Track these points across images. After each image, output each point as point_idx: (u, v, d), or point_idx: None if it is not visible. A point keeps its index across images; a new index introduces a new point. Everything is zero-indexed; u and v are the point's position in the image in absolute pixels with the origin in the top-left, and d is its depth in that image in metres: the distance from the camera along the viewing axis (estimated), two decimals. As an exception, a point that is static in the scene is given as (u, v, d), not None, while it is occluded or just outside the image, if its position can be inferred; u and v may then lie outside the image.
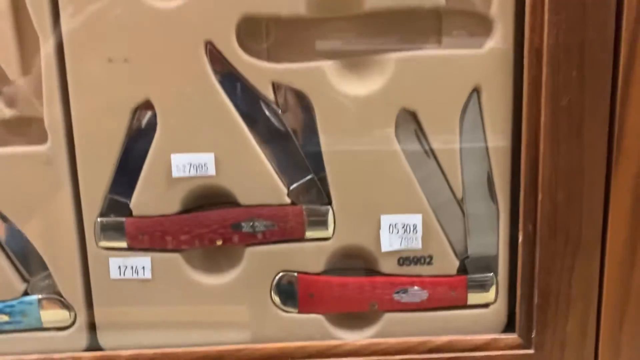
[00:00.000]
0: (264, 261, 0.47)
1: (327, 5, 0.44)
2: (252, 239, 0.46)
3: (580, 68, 0.42)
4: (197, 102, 0.44)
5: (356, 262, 0.48)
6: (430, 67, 0.44)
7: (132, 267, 0.46)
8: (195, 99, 0.44)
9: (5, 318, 0.47)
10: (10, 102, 0.46)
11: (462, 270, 0.48)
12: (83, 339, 0.48)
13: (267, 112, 0.45)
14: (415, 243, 0.47)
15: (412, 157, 0.46)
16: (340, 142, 0.45)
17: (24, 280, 0.48)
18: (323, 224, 0.46)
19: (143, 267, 0.46)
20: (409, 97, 0.45)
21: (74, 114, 0.44)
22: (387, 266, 0.47)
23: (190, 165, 0.45)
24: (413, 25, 0.46)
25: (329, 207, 0.46)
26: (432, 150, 0.46)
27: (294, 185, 0.46)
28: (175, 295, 0.47)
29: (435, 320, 0.48)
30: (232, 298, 0.47)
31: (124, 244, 0.46)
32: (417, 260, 0.47)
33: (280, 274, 0.47)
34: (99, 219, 0.46)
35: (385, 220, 0.46)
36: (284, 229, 0.46)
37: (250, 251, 0.47)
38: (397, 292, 0.47)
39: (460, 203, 0.47)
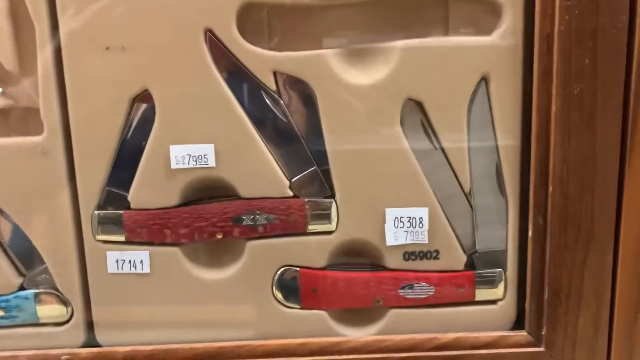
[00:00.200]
0: (265, 255, 0.46)
1: (330, -9, 0.43)
2: (253, 233, 0.45)
3: (593, 55, 0.40)
4: (196, 92, 0.43)
5: (360, 256, 0.47)
6: (437, 56, 0.43)
7: (130, 261, 0.45)
8: (194, 88, 0.43)
9: (0, 313, 0.46)
10: (6, 93, 0.45)
11: (470, 265, 0.46)
12: (80, 335, 0.47)
13: (268, 102, 0.44)
14: (421, 237, 0.45)
15: (419, 148, 0.45)
16: (344, 133, 0.44)
17: (20, 274, 0.47)
18: (326, 217, 0.45)
19: (141, 261, 0.45)
20: (414, 86, 0.44)
21: (70, 105, 0.43)
22: (392, 261, 0.46)
23: (190, 156, 0.44)
24: (419, 12, 0.44)
25: (332, 200, 0.45)
26: (438, 142, 0.45)
27: (296, 177, 0.45)
28: (174, 290, 0.46)
29: (442, 317, 0.46)
30: (233, 293, 0.46)
31: (122, 238, 0.45)
32: (423, 255, 0.46)
33: (282, 269, 0.46)
34: (96, 212, 0.45)
35: (391, 213, 0.45)
36: (286, 222, 0.45)
37: (252, 245, 0.46)
38: (403, 288, 0.46)
39: (467, 196, 0.45)
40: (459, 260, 0.46)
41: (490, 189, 0.45)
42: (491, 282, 0.46)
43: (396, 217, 0.45)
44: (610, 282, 0.44)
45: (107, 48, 0.42)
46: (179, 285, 0.46)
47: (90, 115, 0.43)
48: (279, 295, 0.46)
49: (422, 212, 0.45)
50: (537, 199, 0.43)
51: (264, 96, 0.44)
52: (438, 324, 0.46)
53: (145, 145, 0.44)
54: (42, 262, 0.46)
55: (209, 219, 0.45)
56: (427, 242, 0.45)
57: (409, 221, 0.45)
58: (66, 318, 0.47)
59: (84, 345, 0.47)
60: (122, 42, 0.42)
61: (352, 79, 0.44)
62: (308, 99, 0.44)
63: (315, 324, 0.46)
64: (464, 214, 0.46)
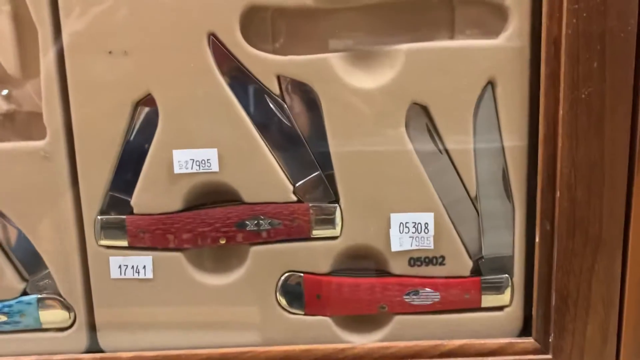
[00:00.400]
0: (269, 261, 0.45)
1: (335, -6, 0.42)
2: (256, 238, 0.45)
3: (601, 59, 0.40)
4: (199, 96, 0.43)
5: (365, 262, 0.46)
6: (443, 59, 0.43)
7: (133, 267, 0.45)
8: (197, 92, 0.43)
9: (3, 318, 0.46)
10: (9, 97, 0.45)
11: (476, 271, 0.46)
12: (83, 340, 0.47)
13: (272, 106, 0.44)
14: (426, 243, 0.45)
15: (424, 153, 0.44)
16: (348, 138, 0.44)
17: (23, 279, 0.46)
18: (330, 222, 0.45)
19: (144, 267, 0.45)
20: (420, 90, 0.43)
21: (73, 109, 0.43)
22: (398, 267, 0.45)
23: (193, 161, 0.43)
24: (424, 15, 0.44)
25: (336, 204, 0.45)
26: (444, 146, 0.44)
27: (300, 182, 0.44)
28: (177, 296, 0.46)
29: (448, 324, 0.46)
30: (236, 299, 0.46)
31: (124, 243, 0.45)
32: (428, 260, 0.45)
33: (286, 274, 0.45)
34: (99, 217, 0.45)
35: (396, 218, 0.44)
36: (289, 227, 0.45)
37: (255, 250, 0.45)
38: (408, 294, 0.46)
39: (474, 201, 0.45)
40: (465, 266, 0.46)
41: (496, 193, 0.45)
42: (498, 288, 0.46)
43: (401, 223, 0.44)
44: (619, 289, 0.43)
45: (110, 52, 0.42)
46: (182, 290, 0.46)
47: (93, 119, 0.43)
48: (283, 301, 0.46)
49: (428, 217, 0.45)
50: (545, 204, 0.43)
51: (268, 100, 0.44)
52: (444, 331, 0.46)
53: (148, 149, 0.43)
54: (45, 267, 0.46)
55: (212, 224, 0.45)
56: (432, 247, 0.45)
57: (414, 226, 0.45)
58: (69, 323, 0.46)
59: (87, 351, 0.47)
60: (124, 46, 0.42)
61: (357, 82, 0.43)
62: (312, 103, 0.44)
63: (320, 330, 0.46)
64: (470, 219, 0.45)
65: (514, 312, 0.46)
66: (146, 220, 0.44)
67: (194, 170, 0.43)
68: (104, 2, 0.42)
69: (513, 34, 0.42)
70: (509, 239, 0.45)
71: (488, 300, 0.46)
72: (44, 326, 0.46)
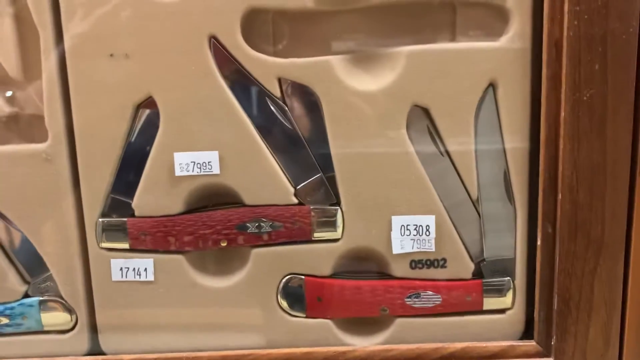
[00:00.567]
0: (270, 263, 0.45)
1: (336, -3, 0.42)
2: (257, 240, 0.45)
3: (603, 61, 0.40)
4: (200, 99, 0.43)
5: (366, 264, 0.46)
6: (444, 62, 0.43)
7: (134, 269, 0.45)
8: (199, 95, 0.43)
9: (5, 320, 0.46)
10: (11, 100, 0.45)
11: (478, 273, 0.46)
12: (84, 343, 0.47)
13: (273, 109, 0.44)
14: (428, 245, 0.45)
15: (425, 155, 0.44)
16: (349, 140, 0.44)
17: (25, 281, 0.47)
18: (331, 224, 0.45)
19: (145, 269, 0.45)
20: (421, 92, 0.43)
21: (74, 112, 0.43)
22: (399, 269, 0.45)
23: (194, 163, 0.43)
24: (425, 17, 0.44)
25: (337, 207, 0.45)
26: (445, 149, 0.44)
27: (301, 184, 0.44)
28: (179, 298, 0.46)
29: (449, 326, 0.46)
30: (237, 301, 0.46)
31: (126, 245, 0.45)
32: (430, 263, 0.45)
33: (287, 277, 0.45)
34: (100, 219, 0.45)
35: (397, 221, 0.44)
36: (291, 229, 0.45)
37: (256, 253, 0.45)
38: (409, 297, 0.45)
39: (475, 203, 0.45)
40: (467, 268, 0.45)
41: (498, 196, 0.45)
42: (499, 291, 0.46)
43: (402, 225, 0.44)
44: (621, 291, 0.43)
45: (111, 55, 0.42)
46: (183, 293, 0.46)
47: (95, 122, 0.43)
48: (284, 304, 0.46)
49: (429, 220, 0.44)
50: (546, 206, 0.43)
51: (269, 103, 0.44)
52: (445, 334, 0.46)
53: (149, 152, 0.44)
54: (47, 270, 0.46)
55: (213, 226, 0.45)
56: (434, 250, 0.45)
57: (415, 229, 0.44)
58: (70, 326, 0.46)
59: (88, 353, 0.47)
60: (126, 48, 0.42)
61: (358, 85, 0.43)
62: (313, 106, 0.44)
63: (321, 333, 0.46)
64: (471, 222, 0.45)
65: (515, 315, 0.46)
66: (147, 223, 0.44)
67: (195, 173, 0.43)
68: (106, 5, 0.42)
69: (514, 36, 0.42)
70: (510, 241, 0.45)
71: (490, 302, 0.46)
72: (46, 328, 0.46)
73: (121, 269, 0.45)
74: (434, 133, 0.44)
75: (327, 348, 0.46)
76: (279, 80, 0.43)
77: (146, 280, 0.45)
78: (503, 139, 0.44)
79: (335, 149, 0.44)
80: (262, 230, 0.45)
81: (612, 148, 0.41)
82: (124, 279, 0.45)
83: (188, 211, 0.45)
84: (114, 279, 0.45)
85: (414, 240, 0.45)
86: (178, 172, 0.43)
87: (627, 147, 0.41)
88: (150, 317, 0.46)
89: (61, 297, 0.46)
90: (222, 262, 0.46)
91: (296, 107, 0.44)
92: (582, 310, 0.43)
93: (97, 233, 0.45)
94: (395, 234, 0.44)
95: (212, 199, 0.45)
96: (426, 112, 0.44)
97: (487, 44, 0.43)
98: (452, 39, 0.44)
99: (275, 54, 0.44)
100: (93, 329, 0.47)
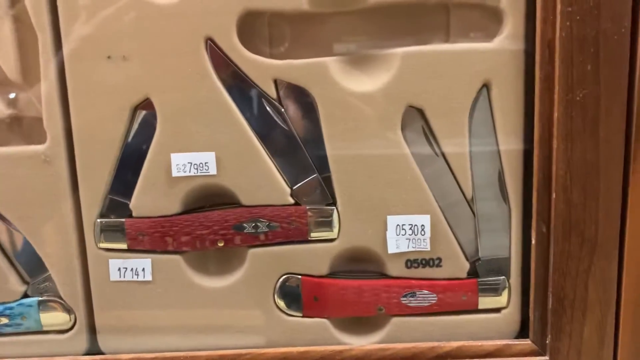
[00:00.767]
0: (267, 263, 0.46)
1: (330, -1, 0.43)
2: (254, 240, 0.45)
3: (595, 61, 0.40)
4: (197, 100, 0.43)
5: (362, 264, 0.46)
6: (438, 63, 0.43)
7: (132, 269, 0.45)
8: (195, 97, 0.43)
9: (4, 320, 0.46)
10: (10, 102, 0.45)
11: (473, 273, 0.46)
12: (83, 342, 0.47)
13: (269, 110, 0.44)
14: (423, 245, 0.45)
15: (420, 155, 0.44)
16: (345, 141, 0.44)
17: (24, 282, 0.47)
18: (328, 224, 0.45)
19: (143, 269, 0.45)
20: (415, 93, 0.43)
21: (72, 114, 0.44)
22: (395, 269, 0.46)
23: (191, 164, 0.44)
24: (420, 19, 0.44)
25: (333, 207, 0.45)
26: (440, 149, 0.44)
27: (298, 184, 0.45)
28: (176, 298, 0.46)
29: (445, 325, 0.46)
30: (235, 301, 0.46)
31: (124, 245, 0.45)
32: (425, 262, 0.46)
33: (284, 277, 0.46)
34: (98, 220, 0.45)
35: (392, 221, 0.45)
36: (287, 229, 0.45)
37: (253, 253, 0.45)
38: (405, 296, 0.46)
39: (470, 203, 0.45)
40: (462, 268, 0.46)
41: (492, 195, 0.45)
42: (495, 290, 0.46)
43: (398, 225, 0.45)
44: (616, 290, 0.43)
45: (109, 57, 0.43)
46: (181, 292, 0.46)
47: (93, 123, 0.44)
48: (281, 303, 0.46)
49: (424, 220, 0.45)
50: (540, 206, 0.43)
51: (265, 104, 0.44)
52: (441, 333, 0.46)
53: (146, 153, 0.44)
54: (46, 270, 0.46)
55: (210, 226, 0.45)
56: (429, 249, 0.45)
57: (410, 228, 0.45)
58: (69, 325, 0.47)
59: (87, 353, 0.47)
60: (123, 51, 0.42)
61: (353, 86, 0.43)
62: (309, 107, 0.44)
63: (318, 332, 0.46)
64: (466, 221, 0.45)
65: (511, 314, 0.46)
66: (145, 223, 0.45)
67: (192, 174, 0.44)
68: (103, 8, 0.42)
69: (508, 37, 0.43)
70: (505, 240, 0.45)
71: (485, 302, 0.46)
72: (45, 328, 0.47)
73: (119, 269, 0.45)
74: (429, 134, 0.44)
75: (324, 347, 0.46)
76: (275, 82, 0.44)
77: (144, 280, 0.46)
78: (497, 139, 0.44)
79: (331, 150, 0.44)
80: (258, 231, 0.45)
81: (605, 148, 0.41)
82: (122, 279, 0.46)
83: (185, 212, 0.45)
84: (112, 279, 0.46)
85: (410, 239, 0.45)
86: (175, 173, 0.44)
87: (620, 146, 0.41)
88: (148, 317, 0.46)
89: (60, 297, 0.46)
90: (219, 262, 0.47)
91: (292, 108, 0.44)
92: (577, 309, 0.43)
93: (95, 233, 0.45)
94: (390, 234, 0.45)
95: (209, 200, 0.45)
96: (421, 112, 0.44)
97: (480, 45, 0.43)
98: (446, 40, 0.45)
99: (271, 55, 0.44)
100: (92, 328, 0.47)
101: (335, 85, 0.43)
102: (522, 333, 0.46)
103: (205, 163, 0.44)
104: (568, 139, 0.41)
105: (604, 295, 0.43)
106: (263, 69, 0.43)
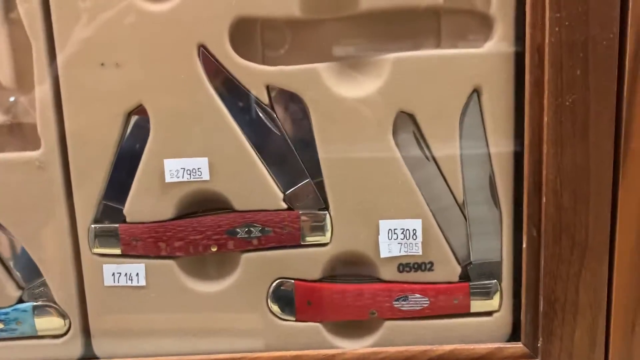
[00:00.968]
0: (260, 268, 0.46)
1: (322, 6, 0.43)
2: (247, 245, 0.45)
3: (584, 66, 0.40)
4: (190, 106, 0.44)
5: (355, 268, 0.47)
6: (429, 68, 0.43)
7: (126, 274, 0.46)
8: (188, 103, 0.44)
9: (-1, 326, 0.47)
10: (4, 108, 0.46)
11: (465, 276, 0.46)
12: (78, 347, 0.47)
13: (261, 116, 0.44)
14: (415, 249, 0.45)
15: (411, 160, 0.45)
16: (337, 146, 0.44)
17: (19, 287, 0.47)
18: (320, 229, 0.45)
19: (137, 274, 0.45)
20: (407, 99, 0.44)
21: (66, 120, 0.44)
22: (387, 273, 0.46)
23: (184, 170, 0.44)
24: (411, 25, 0.45)
25: (326, 212, 0.45)
26: (431, 154, 0.45)
27: (290, 189, 0.45)
28: (170, 303, 0.46)
29: (437, 329, 0.46)
30: (228, 306, 0.46)
31: (118, 251, 0.45)
32: (417, 266, 0.46)
33: (277, 281, 0.46)
34: (92, 226, 0.45)
35: (384, 225, 0.45)
36: (280, 234, 0.45)
37: (246, 257, 0.46)
38: (398, 300, 0.46)
39: (461, 207, 0.45)
40: (454, 271, 0.46)
41: (483, 200, 0.45)
42: (486, 294, 0.46)
43: (390, 229, 0.45)
44: (606, 293, 0.44)
45: (102, 64, 0.43)
46: (175, 297, 0.46)
47: (87, 130, 0.44)
48: (274, 308, 0.46)
49: (416, 224, 0.45)
50: (531, 209, 0.43)
51: (258, 110, 0.44)
52: (433, 336, 0.46)
53: (140, 159, 0.44)
54: (40, 275, 0.46)
55: (203, 231, 0.45)
56: (421, 253, 0.45)
57: (402, 233, 0.45)
58: (64, 330, 0.47)
59: (82, 357, 0.47)
60: (116, 58, 0.43)
61: (345, 91, 0.44)
62: (301, 112, 0.44)
63: (311, 336, 0.47)
64: (458, 226, 0.46)
65: (502, 317, 0.47)
66: (139, 229, 0.45)
67: (185, 179, 0.44)
68: (97, 16, 0.42)
69: (498, 43, 0.43)
70: (496, 244, 0.46)
71: (477, 305, 0.46)
72: (40, 333, 0.47)
73: (113, 274, 0.46)
74: (420, 138, 0.45)
75: (317, 351, 0.46)
76: (267, 88, 0.44)
77: (138, 285, 0.46)
78: (488, 143, 0.44)
79: (323, 155, 0.45)
80: (251, 235, 0.45)
81: (595, 152, 0.42)
82: (116, 284, 0.46)
83: (179, 217, 0.45)
84: (106, 284, 0.46)
85: (402, 244, 0.45)
86: (168, 179, 0.44)
87: (609, 151, 0.42)
88: (142, 322, 0.47)
89: (55, 302, 0.47)
90: (212, 267, 0.47)
91: (284, 114, 0.45)
92: (568, 312, 0.44)
93: (89, 239, 0.46)
94: (382, 238, 0.45)
95: (202, 205, 0.46)
96: (412, 118, 0.44)
97: (471, 50, 0.43)
98: (437, 45, 0.45)
99: (264, 62, 0.45)
100: (86, 333, 0.47)
101: (327, 90, 0.44)
102: (514, 336, 0.46)
103: (198, 169, 0.44)
104: (558, 143, 0.41)
105: (595, 298, 0.44)
106: (255, 75, 0.43)
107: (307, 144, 0.45)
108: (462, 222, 0.46)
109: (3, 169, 0.45)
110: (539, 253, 0.43)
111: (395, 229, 0.45)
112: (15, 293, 0.47)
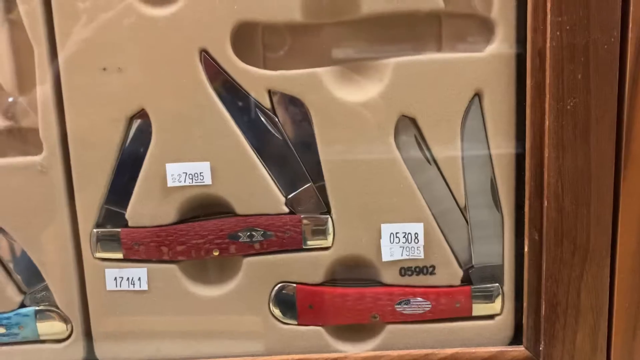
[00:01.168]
0: (262, 272, 0.46)
1: (323, 10, 0.43)
2: (249, 249, 0.45)
3: (586, 70, 0.40)
4: (192, 111, 0.44)
5: (357, 272, 0.47)
6: (430, 72, 0.43)
7: (128, 278, 0.46)
8: (190, 107, 0.44)
9: (1, 330, 0.47)
10: (6, 113, 0.46)
11: (466, 280, 0.46)
12: (80, 351, 0.47)
13: (263, 120, 0.44)
14: (417, 252, 0.45)
15: (413, 164, 0.45)
16: (339, 150, 0.44)
17: (21, 291, 0.47)
18: (322, 233, 0.45)
19: (139, 278, 0.46)
20: (408, 103, 0.44)
21: (68, 124, 0.44)
22: (389, 276, 0.46)
23: (186, 174, 0.44)
24: (412, 29, 0.45)
25: (327, 216, 0.45)
26: (433, 157, 0.45)
27: (292, 193, 0.45)
28: (172, 307, 0.46)
29: (439, 332, 0.46)
30: (230, 309, 0.46)
31: (120, 255, 0.46)
32: (419, 270, 0.46)
33: (279, 285, 0.46)
34: (94, 230, 0.45)
35: (386, 229, 0.45)
36: (282, 238, 0.45)
37: (248, 262, 0.46)
38: (399, 303, 0.46)
39: (463, 211, 0.45)
40: (456, 275, 0.46)
41: (485, 203, 0.45)
42: (488, 297, 0.46)
43: (392, 233, 0.45)
44: (608, 297, 0.44)
45: (104, 69, 0.43)
46: (177, 301, 0.46)
47: (88, 134, 0.44)
48: (276, 312, 0.46)
49: (418, 228, 0.45)
50: (532, 213, 0.43)
51: (259, 114, 0.44)
52: (435, 340, 0.46)
53: (142, 163, 0.44)
54: (43, 280, 0.47)
55: (205, 236, 0.45)
56: (423, 257, 0.45)
57: (404, 237, 0.45)
58: (66, 335, 0.47)
59: (84, 362, 0.48)
60: (118, 62, 0.43)
61: (346, 96, 0.44)
62: (303, 117, 0.44)
63: (313, 340, 0.47)
64: (459, 229, 0.46)
65: (504, 321, 0.47)
66: (140, 233, 0.45)
67: (187, 184, 0.44)
68: (98, 20, 0.42)
69: (499, 47, 0.43)
70: (498, 248, 0.46)
71: (479, 308, 0.46)
72: (42, 338, 0.47)
73: (115, 278, 0.46)
74: (422, 142, 0.45)
75: (319, 355, 0.46)
76: (269, 92, 0.44)
77: (140, 289, 0.46)
78: (489, 147, 0.44)
79: (325, 159, 0.45)
80: (253, 240, 0.45)
81: (596, 156, 0.42)
82: (118, 288, 0.46)
83: (180, 221, 0.46)
84: (108, 288, 0.46)
85: (403, 247, 0.45)
86: (170, 183, 0.44)
87: (610, 154, 0.42)
88: (145, 326, 0.47)
89: (57, 307, 0.47)
90: (214, 271, 0.47)
91: (286, 118, 0.45)
92: (570, 316, 0.44)
93: (91, 243, 0.46)
94: (384, 242, 0.45)
95: (204, 209, 0.46)
96: (413, 121, 0.44)
97: (472, 54, 0.43)
98: (438, 49, 0.45)
99: (265, 66, 0.45)
100: (88, 337, 0.47)
101: (328, 95, 0.44)
102: (516, 339, 0.47)
103: (200, 173, 0.44)
104: (559, 146, 0.42)
105: (597, 301, 0.44)
106: (257, 79, 0.44)
107: (308, 147, 0.45)
108: (463, 226, 0.46)
109: (5, 173, 0.45)
110: (541, 256, 0.43)
111: (397, 233, 0.45)
112: (18, 298, 0.47)
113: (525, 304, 0.45)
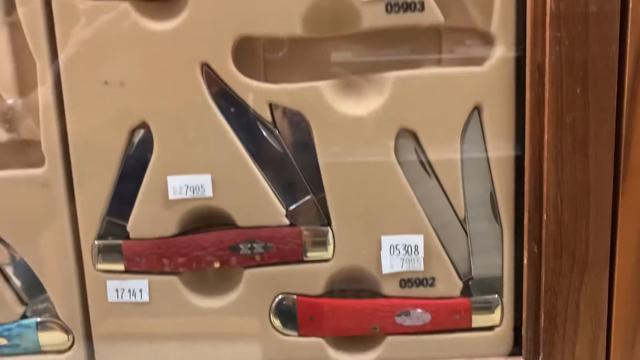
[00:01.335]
0: (262, 283, 0.46)
1: (324, 25, 0.43)
2: (250, 261, 0.46)
3: (584, 85, 0.41)
4: (193, 124, 0.44)
5: (357, 284, 0.47)
6: (430, 86, 0.44)
7: (129, 290, 0.46)
8: (191, 120, 0.44)
9: (3, 341, 0.47)
10: (8, 125, 0.46)
11: (466, 292, 0.47)
12: (81, 363, 0.48)
13: (264, 133, 0.45)
14: (417, 264, 0.46)
15: (413, 176, 0.45)
16: (339, 162, 0.45)
17: (23, 303, 0.47)
18: (322, 245, 0.46)
19: (140, 290, 0.46)
20: (408, 116, 0.44)
21: (70, 137, 0.44)
22: (389, 288, 0.46)
23: (187, 187, 0.44)
24: (412, 43, 0.45)
25: (328, 228, 0.45)
26: (432, 170, 0.45)
27: (293, 206, 0.45)
28: (173, 319, 0.46)
29: (439, 344, 0.47)
30: (231, 321, 0.47)
31: (121, 267, 0.46)
32: (419, 282, 0.46)
33: (280, 297, 0.46)
34: (96, 242, 0.46)
35: (386, 241, 0.45)
36: (282, 250, 0.45)
37: (249, 273, 0.46)
38: (399, 315, 0.46)
39: (462, 223, 0.46)
40: (455, 286, 0.46)
41: (484, 215, 0.46)
42: (488, 309, 0.46)
43: (392, 245, 0.45)
44: (607, 308, 0.44)
45: (106, 82, 0.43)
46: (178, 313, 0.46)
47: (90, 147, 0.44)
48: (277, 323, 0.47)
49: (418, 240, 0.45)
50: (532, 226, 0.44)
51: (260, 127, 0.45)
52: (435, 351, 0.47)
53: (143, 176, 0.45)
54: (44, 291, 0.47)
55: (206, 248, 0.45)
56: (422, 269, 0.46)
57: (404, 248, 0.45)
58: (67, 346, 0.47)
59: (85, 373, 0.48)
60: (120, 76, 0.43)
61: (347, 109, 0.44)
62: (303, 130, 0.45)
63: (313, 351, 0.47)
64: (459, 241, 0.46)
65: (504, 332, 0.47)
66: (142, 245, 0.45)
67: (188, 196, 0.44)
68: (100, 34, 0.43)
69: (498, 61, 0.43)
70: (498, 260, 0.46)
71: (478, 320, 0.47)
72: (43, 349, 0.47)
73: (117, 290, 0.46)
74: (422, 155, 0.45)
75: (319, 366, 0.46)
76: (270, 106, 0.44)
77: (141, 301, 0.46)
78: (488, 160, 0.45)
79: (325, 171, 0.45)
80: (254, 251, 0.45)
81: (595, 169, 0.42)
82: (119, 299, 0.46)
83: (182, 233, 0.46)
84: (109, 299, 0.46)
85: (403, 259, 0.45)
86: (172, 196, 0.44)
87: (609, 168, 0.42)
88: (146, 337, 0.47)
89: (58, 318, 0.47)
90: (215, 283, 0.47)
91: (287, 131, 0.45)
92: (569, 328, 0.44)
93: (93, 255, 0.46)
94: (384, 254, 0.45)
95: (205, 221, 0.46)
96: (414, 134, 0.45)
97: (472, 68, 0.44)
98: (438, 63, 0.45)
99: (266, 79, 0.45)
100: (89, 349, 0.47)
101: (329, 108, 0.44)
102: (515, 351, 0.47)
103: (202, 185, 0.44)
104: (558, 160, 0.42)
105: (595, 313, 0.44)
106: (258, 93, 0.44)
107: (309, 160, 0.45)
108: (463, 238, 0.46)
109: (7, 186, 0.45)
110: (540, 268, 0.44)
111: (397, 245, 0.45)
112: (19, 309, 0.47)
113: (524, 316, 0.45)
